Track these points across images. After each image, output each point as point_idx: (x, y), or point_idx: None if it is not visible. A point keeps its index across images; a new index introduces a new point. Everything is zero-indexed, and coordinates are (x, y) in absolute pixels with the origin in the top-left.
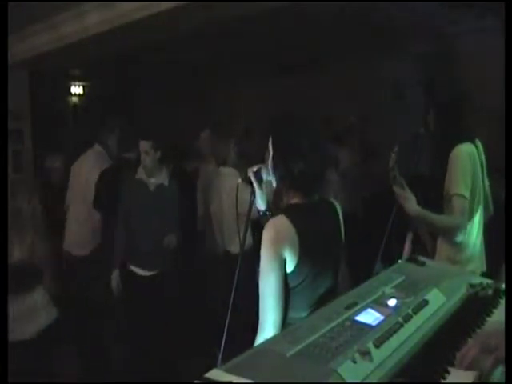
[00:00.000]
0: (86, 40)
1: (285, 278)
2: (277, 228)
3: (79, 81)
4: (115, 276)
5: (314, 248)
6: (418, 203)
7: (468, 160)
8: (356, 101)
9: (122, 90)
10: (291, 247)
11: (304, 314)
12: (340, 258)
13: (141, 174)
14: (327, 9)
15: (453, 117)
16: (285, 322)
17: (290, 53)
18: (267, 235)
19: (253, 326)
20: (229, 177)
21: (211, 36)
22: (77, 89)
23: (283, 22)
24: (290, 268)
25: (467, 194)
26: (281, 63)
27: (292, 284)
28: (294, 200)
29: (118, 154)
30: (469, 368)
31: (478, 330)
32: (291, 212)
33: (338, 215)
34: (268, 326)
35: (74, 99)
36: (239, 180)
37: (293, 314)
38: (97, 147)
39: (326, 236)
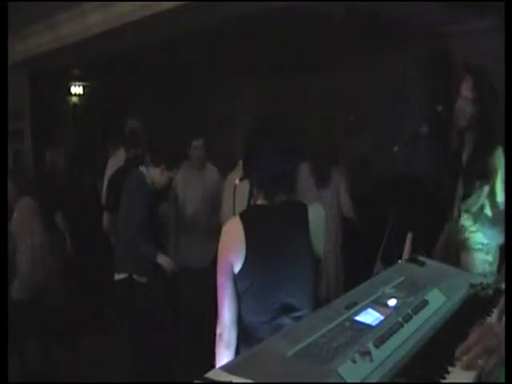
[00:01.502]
0: (85, 40)
1: (234, 278)
2: (226, 229)
3: (79, 81)
4: (165, 258)
5: (265, 251)
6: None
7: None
8: (356, 101)
9: (122, 90)
10: (237, 249)
11: (265, 319)
12: (310, 265)
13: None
14: (327, 9)
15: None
16: (241, 322)
17: (290, 53)
18: (221, 236)
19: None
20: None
21: (211, 36)
22: (77, 89)
23: (283, 22)
24: (237, 269)
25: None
26: (280, 63)
27: (242, 285)
28: (259, 201)
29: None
30: (469, 368)
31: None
32: (247, 214)
33: (307, 220)
34: (223, 321)
35: (74, 99)
36: (237, 181)
37: (252, 318)
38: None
39: (284, 240)
